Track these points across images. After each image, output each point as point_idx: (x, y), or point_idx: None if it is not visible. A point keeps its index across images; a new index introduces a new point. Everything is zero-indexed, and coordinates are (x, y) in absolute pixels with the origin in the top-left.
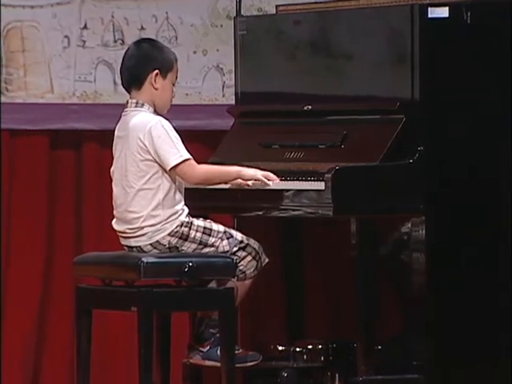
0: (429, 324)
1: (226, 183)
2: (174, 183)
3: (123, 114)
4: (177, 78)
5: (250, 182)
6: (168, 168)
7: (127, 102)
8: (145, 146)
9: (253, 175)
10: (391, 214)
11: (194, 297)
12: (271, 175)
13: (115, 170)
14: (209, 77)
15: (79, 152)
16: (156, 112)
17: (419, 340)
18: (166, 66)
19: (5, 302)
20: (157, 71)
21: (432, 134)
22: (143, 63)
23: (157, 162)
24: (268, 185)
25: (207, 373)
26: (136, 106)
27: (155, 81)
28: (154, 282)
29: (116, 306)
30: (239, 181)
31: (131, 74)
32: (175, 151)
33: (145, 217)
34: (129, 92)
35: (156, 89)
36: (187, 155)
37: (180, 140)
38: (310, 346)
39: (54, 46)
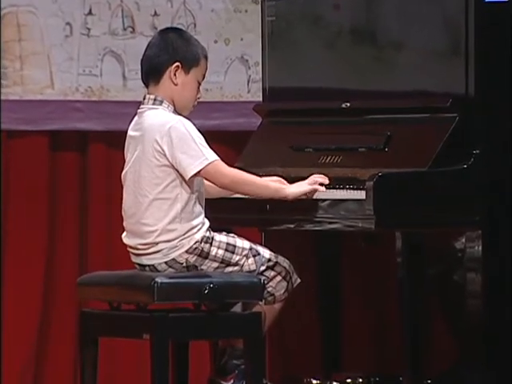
0: (486, 355)
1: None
2: (194, 193)
3: (139, 110)
4: (204, 76)
5: None
6: (189, 175)
7: (144, 98)
8: (162, 149)
9: (300, 193)
10: (442, 228)
11: (215, 323)
12: (319, 179)
13: (127, 175)
14: (232, 70)
15: (83, 156)
16: (176, 112)
17: (475, 373)
18: (190, 59)
19: None
20: (177, 64)
21: (489, 136)
22: (163, 53)
23: (175, 169)
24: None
25: None
26: (154, 103)
27: (175, 75)
28: (170, 305)
29: (126, 334)
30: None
31: (150, 64)
32: (199, 155)
33: (160, 231)
34: (147, 86)
35: (175, 84)
36: (213, 157)
37: (204, 141)
38: (348, 380)
39: (55, 35)
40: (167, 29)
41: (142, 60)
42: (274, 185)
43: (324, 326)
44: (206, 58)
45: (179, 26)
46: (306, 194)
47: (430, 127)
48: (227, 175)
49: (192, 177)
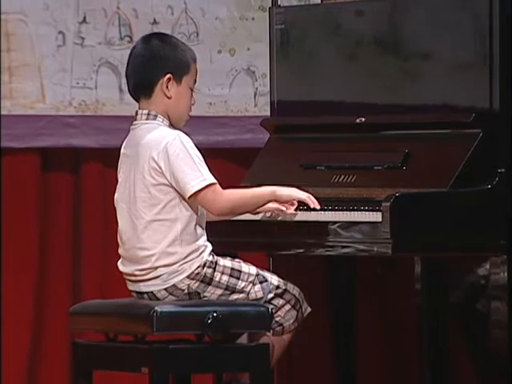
0: None
1: (255, 211)
2: (196, 213)
3: (132, 127)
4: (196, 81)
5: (289, 211)
6: (188, 194)
7: (136, 113)
8: (159, 167)
9: (290, 195)
10: (465, 253)
11: (219, 355)
12: (312, 198)
13: (120, 197)
14: (237, 82)
15: (77, 175)
16: (172, 125)
17: None
18: (181, 67)
19: None
20: (169, 76)
21: None
22: (152, 66)
23: (173, 188)
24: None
25: None
26: (148, 119)
27: (167, 87)
28: (170, 336)
29: (122, 367)
30: (275, 205)
31: (138, 78)
32: (198, 174)
33: (158, 255)
34: (137, 100)
35: (169, 97)
36: (212, 179)
37: (203, 161)
38: None
39: (46, 45)
40: (150, 36)
41: (126, 72)
42: (266, 190)
43: (337, 357)
44: (195, 61)
45: (180, 36)
46: (299, 202)
47: (452, 144)
48: (224, 202)
49: (191, 196)
